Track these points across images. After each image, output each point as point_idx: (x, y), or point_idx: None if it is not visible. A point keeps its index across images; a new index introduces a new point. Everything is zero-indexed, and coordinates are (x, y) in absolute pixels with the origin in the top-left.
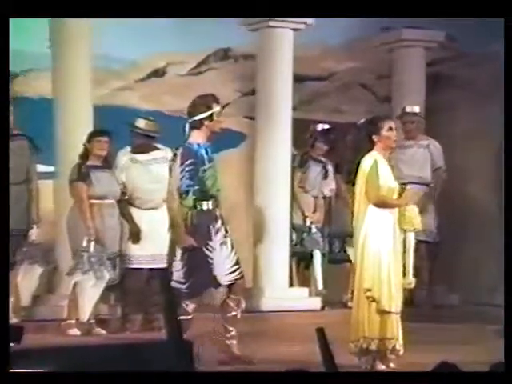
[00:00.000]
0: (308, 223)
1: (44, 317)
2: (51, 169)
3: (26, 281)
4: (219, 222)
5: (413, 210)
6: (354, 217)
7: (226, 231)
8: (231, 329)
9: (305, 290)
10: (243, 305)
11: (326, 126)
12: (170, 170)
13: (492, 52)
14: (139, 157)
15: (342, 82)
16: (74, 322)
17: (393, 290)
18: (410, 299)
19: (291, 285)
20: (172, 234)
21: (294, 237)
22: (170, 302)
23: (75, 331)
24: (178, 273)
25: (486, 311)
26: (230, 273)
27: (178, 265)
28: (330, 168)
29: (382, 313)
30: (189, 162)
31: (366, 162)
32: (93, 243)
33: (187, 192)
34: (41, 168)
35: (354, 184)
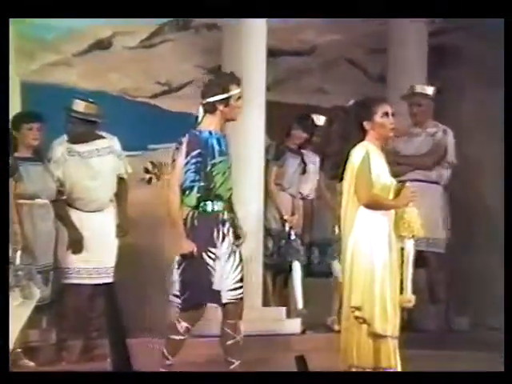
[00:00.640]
0: (287, 228)
1: None
2: None
3: None
4: (227, 226)
5: (412, 213)
6: (341, 220)
7: (237, 239)
8: (233, 360)
9: (282, 310)
10: (242, 329)
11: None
12: (173, 160)
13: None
14: (78, 147)
15: (325, 57)
16: None
17: (388, 309)
18: (408, 321)
19: (266, 304)
20: (172, 238)
21: (270, 245)
22: (116, 325)
23: None
24: (174, 284)
25: (501, 337)
26: (234, 289)
27: (175, 275)
28: (311, 161)
29: (376, 337)
30: (196, 152)
31: (356, 154)
32: (19, 253)
33: (191, 188)
34: None
35: (341, 180)
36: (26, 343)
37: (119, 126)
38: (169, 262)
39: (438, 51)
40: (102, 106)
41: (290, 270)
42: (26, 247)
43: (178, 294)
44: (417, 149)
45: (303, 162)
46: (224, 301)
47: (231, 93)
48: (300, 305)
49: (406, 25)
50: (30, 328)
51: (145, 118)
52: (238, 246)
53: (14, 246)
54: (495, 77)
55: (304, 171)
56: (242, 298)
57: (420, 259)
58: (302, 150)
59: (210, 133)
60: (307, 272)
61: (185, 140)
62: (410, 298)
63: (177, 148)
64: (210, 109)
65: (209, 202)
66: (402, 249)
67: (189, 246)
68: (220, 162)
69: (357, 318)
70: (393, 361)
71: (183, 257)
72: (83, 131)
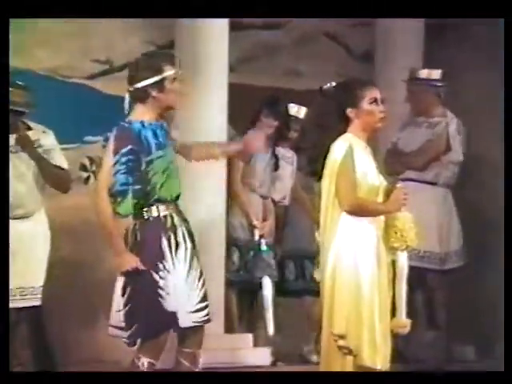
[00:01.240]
0: (256, 237)
1: None
2: None
3: None
4: (180, 233)
5: (405, 219)
6: (320, 228)
7: (194, 248)
8: None
9: (248, 337)
10: (201, 360)
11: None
12: (100, 160)
13: None
14: None
15: (299, 31)
16: None
17: (377, 337)
18: (402, 351)
19: (229, 330)
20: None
21: (236, 258)
22: (45, 358)
23: None
24: (118, 314)
25: None
26: (197, 310)
27: (118, 301)
28: (285, 156)
29: (363, 371)
30: (126, 149)
31: (338, 149)
32: None
33: (123, 193)
34: None
35: (319, 179)
36: None
37: (48, 113)
38: (113, 278)
39: (436, 24)
40: (30, 89)
41: (260, 287)
42: None
43: (122, 325)
44: (410, 144)
45: (274, 156)
46: (184, 325)
47: (164, 74)
48: (271, 330)
49: None
50: None
51: (80, 103)
52: (196, 255)
53: None
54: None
55: (277, 167)
56: (209, 320)
57: (414, 276)
58: (278, 147)
59: (143, 124)
60: (280, 290)
61: (112, 135)
62: (404, 322)
63: (103, 146)
64: (141, 96)
65: (153, 208)
66: (394, 262)
67: (131, 262)
68: (158, 157)
69: (340, 347)
70: None
71: (126, 276)
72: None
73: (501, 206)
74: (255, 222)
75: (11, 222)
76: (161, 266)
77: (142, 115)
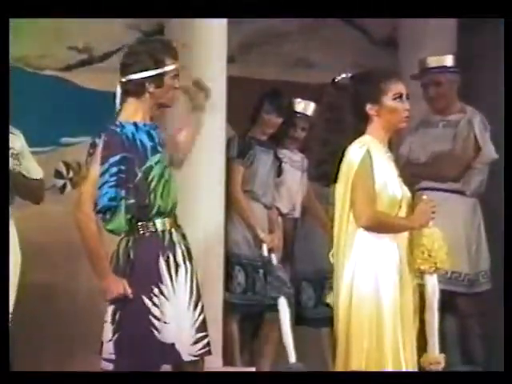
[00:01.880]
0: (265, 251)
1: None
2: None
3: None
4: (179, 252)
5: (433, 236)
6: (334, 246)
7: (193, 268)
8: None
9: (252, 371)
10: None
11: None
12: (78, 165)
13: None
14: None
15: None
16: None
17: None
18: None
19: (228, 362)
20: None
21: (241, 277)
22: None
23: None
24: (108, 345)
25: None
26: (195, 342)
27: (108, 331)
28: (292, 158)
29: None
30: (117, 158)
31: (354, 154)
32: None
33: (113, 209)
34: None
35: (329, 185)
36: None
37: (17, 111)
38: (96, 306)
39: None
40: None
41: (270, 310)
42: None
43: (112, 357)
44: (428, 149)
45: (277, 158)
46: (185, 358)
47: (166, 68)
48: (292, 358)
49: None
50: None
51: (55, 98)
52: (196, 277)
53: None
54: None
55: (280, 172)
56: (209, 352)
57: (442, 301)
58: (283, 150)
59: (136, 126)
60: (297, 318)
61: (100, 140)
62: (437, 357)
63: (90, 153)
64: (136, 89)
65: (150, 224)
66: (422, 288)
67: (117, 287)
68: (156, 162)
69: None
70: None
71: (114, 303)
72: None
73: None
74: (262, 235)
75: None
76: (156, 290)
77: (134, 113)
